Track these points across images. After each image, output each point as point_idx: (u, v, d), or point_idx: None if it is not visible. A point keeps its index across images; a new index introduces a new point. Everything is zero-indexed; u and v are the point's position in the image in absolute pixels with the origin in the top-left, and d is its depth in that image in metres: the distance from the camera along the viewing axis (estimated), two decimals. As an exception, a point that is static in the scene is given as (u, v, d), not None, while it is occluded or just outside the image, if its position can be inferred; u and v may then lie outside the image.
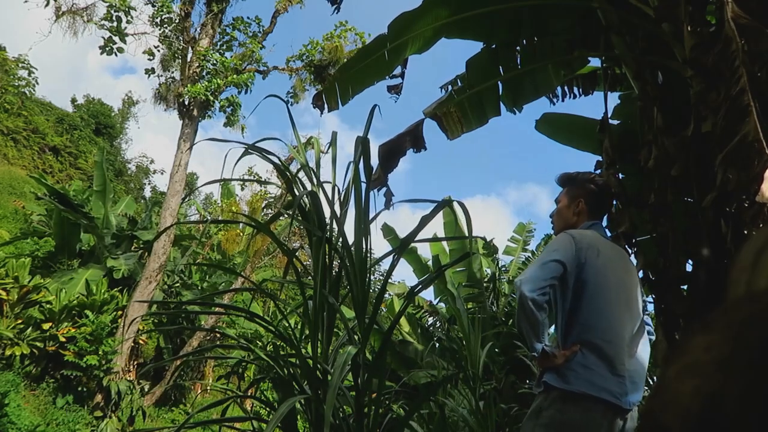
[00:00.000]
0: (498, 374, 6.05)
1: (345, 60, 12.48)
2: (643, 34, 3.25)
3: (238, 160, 2.14)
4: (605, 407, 1.82)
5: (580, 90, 4.07)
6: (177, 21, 13.01)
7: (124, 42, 12.52)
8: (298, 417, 2.20)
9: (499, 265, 8.86)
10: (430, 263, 9.14)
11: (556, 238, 2.13)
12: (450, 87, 4.17)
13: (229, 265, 15.94)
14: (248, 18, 13.78)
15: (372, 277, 2.24)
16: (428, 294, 16.09)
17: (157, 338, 13.24)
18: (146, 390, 11.71)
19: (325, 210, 2.13)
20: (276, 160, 2.19)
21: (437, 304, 9.19)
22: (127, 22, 12.33)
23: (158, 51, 13.34)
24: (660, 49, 3.08)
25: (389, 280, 2.38)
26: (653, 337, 2.30)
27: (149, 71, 13.53)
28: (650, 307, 2.59)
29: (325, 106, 4.24)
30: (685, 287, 2.80)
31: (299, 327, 2.36)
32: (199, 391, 14.42)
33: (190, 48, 12.77)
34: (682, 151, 2.71)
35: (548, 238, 8.09)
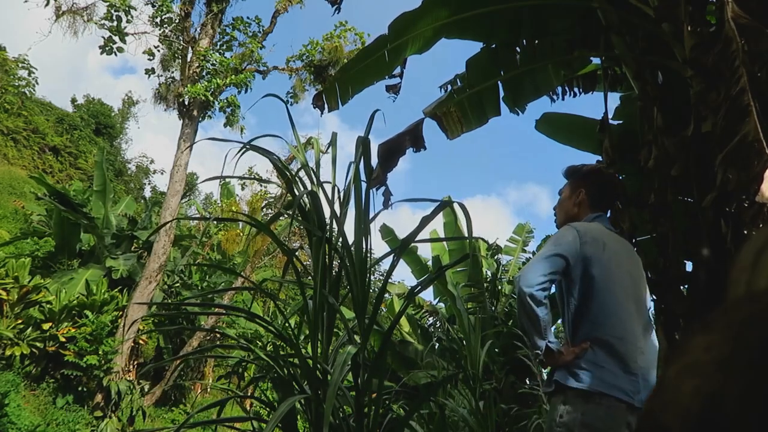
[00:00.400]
0: (498, 374, 6.06)
1: (345, 60, 12.50)
2: (643, 34, 3.25)
3: (240, 156, 2.13)
4: (625, 406, 1.74)
5: (581, 89, 4.08)
6: (177, 21, 13.01)
7: (124, 42, 12.51)
8: (298, 417, 2.20)
9: (500, 264, 8.87)
10: (429, 263, 9.14)
11: (559, 231, 2.04)
12: (450, 87, 4.17)
13: (229, 265, 15.94)
14: (248, 18, 13.80)
15: (372, 277, 2.24)
16: (428, 294, 16.09)
17: (157, 338, 13.24)
18: (146, 390, 11.71)
19: (325, 210, 2.13)
20: (276, 159, 2.19)
21: (437, 304, 9.20)
22: (127, 21, 12.32)
23: (158, 51, 13.34)
24: (660, 49, 3.08)
25: (389, 280, 2.38)
26: None
27: (149, 71, 13.53)
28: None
29: (326, 106, 4.24)
30: (685, 287, 2.80)
31: (299, 326, 2.36)
32: (199, 391, 14.42)
33: (190, 48, 12.77)
34: (682, 151, 2.72)
35: (549, 239, 8.07)
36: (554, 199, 2.39)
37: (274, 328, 2.15)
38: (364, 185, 2.11)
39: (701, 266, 2.66)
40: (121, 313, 11.13)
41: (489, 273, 8.48)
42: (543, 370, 4.50)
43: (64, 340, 9.98)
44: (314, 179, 2.20)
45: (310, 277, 2.28)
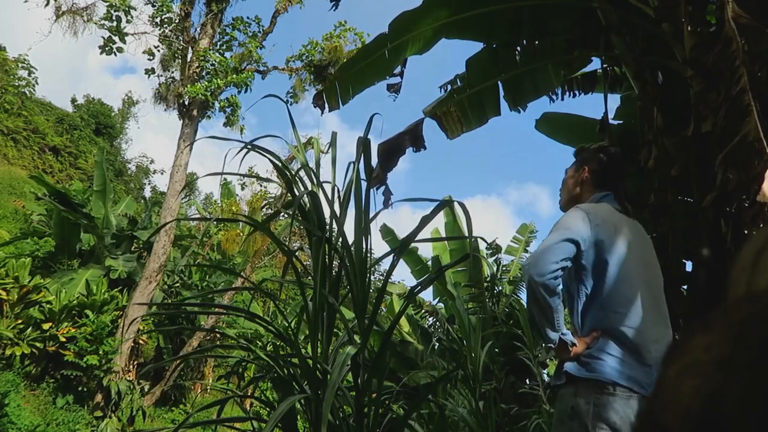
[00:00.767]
0: (498, 374, 6.05)
1: (345, 60, 12.48)
2: (643, 34, 3.25)
3: (242, 155, 2.14)
4: (639, 398, 1.62)
5: (580, 89, 4.08)
6: (177, 21, 13.01)
7: (124, 42, 12.51)
8: (298, 417, 2.20)
9: (500, 264, 8.87)
10: (429, 263, 9.15)
11: (566, 214, 1.87)
12: (450, 86, 4.18)
13: (229, 265, 15.95)
14: (248, 18, 13.80)
15: (372, 277, 2.24)
16: (428, 294, 16.09)
17: (157, 338, 13.25)
18: (146, 390, 11.71)
19: (325, 210, 2.13)
20: (276, 159, 2.19)
21: (437, 304, 9.21)
22: (127, 21, 12.33)
23: (158, 51, 13.35)
24: (660, 49, 3.08)
25: (389, 280, 2.38)
26: None
27: (149, 71, 13.53)
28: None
29: (326, 105, 4.24)
30: (685, 287, 2.80)
31: (298, 326, 2.36)
32: (199, 391, 14.43)
33: (190, 48, 12.78)
34: (682, 151, 2.72)
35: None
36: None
37: (274, 328, 2.15)
38: (364, 185, 2.11)
39: (701, 266, 2.67)
40: (121, 313, 11.13)
41: (489, 273, 8.48)
42: (543, 370, 4.50)
43: (64, 340, 9.99)
44: (314, 179, 2.20)
45: (310, 277, 2.28)
